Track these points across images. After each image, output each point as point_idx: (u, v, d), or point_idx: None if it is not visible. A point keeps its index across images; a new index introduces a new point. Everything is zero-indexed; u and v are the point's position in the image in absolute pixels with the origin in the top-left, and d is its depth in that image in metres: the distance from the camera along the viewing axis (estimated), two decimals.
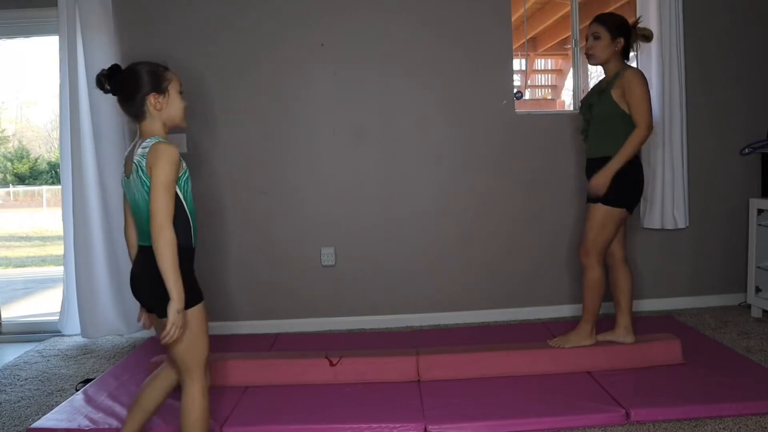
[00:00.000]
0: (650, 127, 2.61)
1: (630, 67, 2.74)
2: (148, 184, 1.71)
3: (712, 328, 3.29)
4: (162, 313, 1.71)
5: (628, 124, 2.64)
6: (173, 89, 1.85)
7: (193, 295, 1.79)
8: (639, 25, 2.78)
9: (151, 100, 1.80)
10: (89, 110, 3.31)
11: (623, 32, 2.70)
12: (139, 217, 1.80)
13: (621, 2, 4.86)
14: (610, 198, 2.66)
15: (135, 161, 1.75)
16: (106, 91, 1.85)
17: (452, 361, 2.71)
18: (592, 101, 2.78)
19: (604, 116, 2.70)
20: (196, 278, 1.87)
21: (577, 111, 3.49)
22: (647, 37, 2.79)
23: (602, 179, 2.64)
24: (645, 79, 2.65)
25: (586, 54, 2.78)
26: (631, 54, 2.83)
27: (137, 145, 1.79)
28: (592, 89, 2.89)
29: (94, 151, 3.33)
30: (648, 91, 2.64)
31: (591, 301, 2.76)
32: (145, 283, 1.79)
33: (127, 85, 1.82)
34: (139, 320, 1.98)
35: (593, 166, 2.76)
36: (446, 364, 2.70)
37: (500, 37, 3.52)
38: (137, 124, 1.85)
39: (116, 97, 1.85)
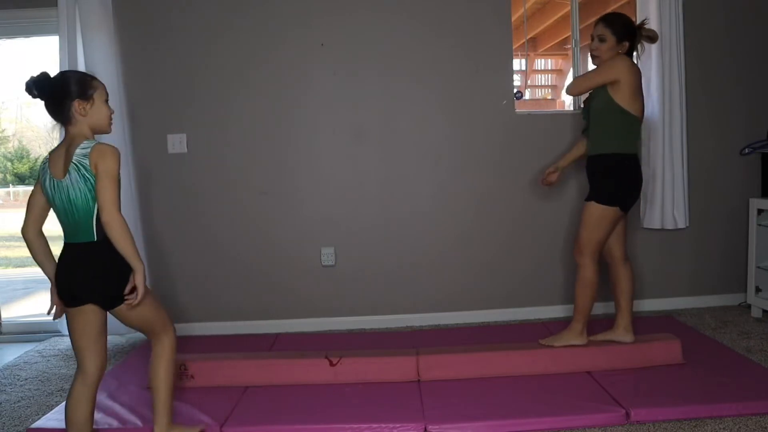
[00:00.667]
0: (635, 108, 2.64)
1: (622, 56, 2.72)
2: (92, 180, 1.86)
3: (712, 328, 3.29)
4: (109, 303, 1.94)
5: (625, 119, 2.63)
6: (99, 97, 1.97)
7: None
8: (644, 26, 2.77)
9: (76, 105, 1.92)
10: None
11: (629, 35, 2.69)
12: (71, 216, 1.92)
13: (621, 2, 4.86)
14: (603, 196, 2.66)
15: (74, 161, 1.87)
16: (33, 96, 1.93)
17: (452, 361, 2.71)
18: (590, 98, 2.80)
19: (599, 111, 2.71)
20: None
21: (578, 111, 3.50)
22: (652, 38, 2.78)
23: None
24: (627, 64, 2.63)
25: (590, 54, 2.77)
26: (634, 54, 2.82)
27: (71, 147, 1.90)
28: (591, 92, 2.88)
29: None
30: (613, 71, 2.62)
31: (583, 300, 2.76)
32: (86, 277, 1.92)
33: (54, 91, 1.92)
34: (50, 313, 2.04)
35: (591, 163, 2.77)
36: (446, 364, 2.70)
37: (500, 37, 3.51)
38: (65, 128, 1.96)
39: (43, 103, 1.94)
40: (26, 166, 20.78)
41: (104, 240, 1.89)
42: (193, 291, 3.53)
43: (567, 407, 2.32)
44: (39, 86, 1.91)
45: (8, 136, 22.11)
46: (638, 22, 2.83)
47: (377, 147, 3.54)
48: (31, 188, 2.05)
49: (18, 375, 3.03)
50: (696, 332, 3.18)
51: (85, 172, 1.86)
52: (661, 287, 3.68)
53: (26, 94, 1.92)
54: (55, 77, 1.95)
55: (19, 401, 2.69)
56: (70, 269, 1.95)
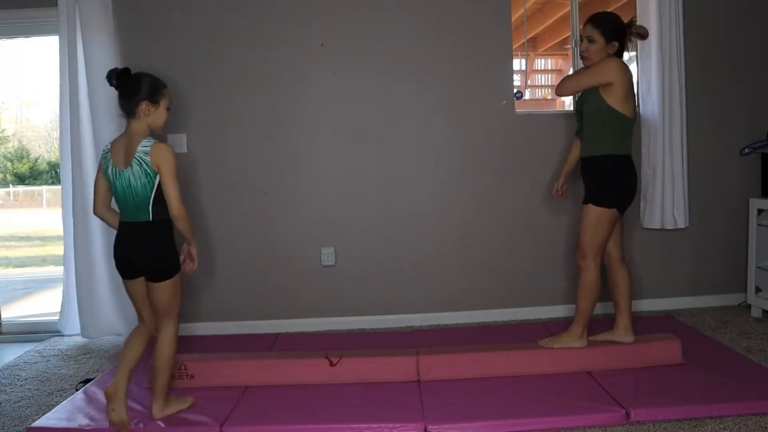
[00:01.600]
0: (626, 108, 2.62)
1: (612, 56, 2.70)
2: (152, 175, 2.21)
3: (712, 328, 3.29)
4: (153, 276, 2.25)
5: (618, 120, 2.63)
6: (163, 104, 2.30)
7: (178, 262, 2.32)
8: (633, 24, 2.75)
9: (143, 106, 2.24)
10: (89, 110, 3.31)
11: (618, 34, 2.67)
12: (131, 200, 2.24)
13: (621, 2, 4.86)
14: (600, 199, 2.66)
15: (137, 157, 2.20)
16: (111, 85, 2.25)
17: (452, 361, 2.71)
18: (582, 100, 2.79)
19: (592, 113, 2.70)
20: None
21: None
22: (642, 35, 2.76)
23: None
24: (618, 65, 2.62)
25: (580, 56, 2.77)
26: (632, 53, 2.82)
27: (132, 142, 2.23)
28: (583, 92, 2.85)
29: (93, 152, 3.33)
30: (609, 70, 2.60)
31: (584, 303, 2.75)
32: (143, 253, 2.25)
33: (129, 87, 2.25)
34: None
35: (586, 165, 2.77)
36: (446, 364, 2.70)
37: (500, 37, 3.52)
38: (127, 120, 2.27)
39: (118, 93, 2.26)
40: (26, 166, 20.77)
41: (158, 221, 2.24)
42: (193, 291, 3.53)
43: (567, 407, 2.32)
44: (118, 78, 2.24)
45: (8, 136, 22.10)
46: (628, 20, 2.80)
47: (377, 147, 3.54)
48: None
49: (18, 375, 3.03)
50: (696, 332, 3.18)
51: (146, 168, 2.20)
52: (661, 287, 3.68)
53: (106, 80, 2.24)
54: (133, 75, 2.26)
55: (19, 401, 2.69)
56: (129, 246, 2.27)
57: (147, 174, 2.20)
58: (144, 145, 2.21)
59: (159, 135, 2.40)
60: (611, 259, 2.84)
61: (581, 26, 3.58)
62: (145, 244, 2.25)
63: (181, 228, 2.26)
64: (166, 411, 2.39)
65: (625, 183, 2.70)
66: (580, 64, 3.66)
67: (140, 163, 2.20)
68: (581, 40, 2.72)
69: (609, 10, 3.99)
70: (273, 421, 2.32)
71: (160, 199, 2.22)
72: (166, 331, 2.34)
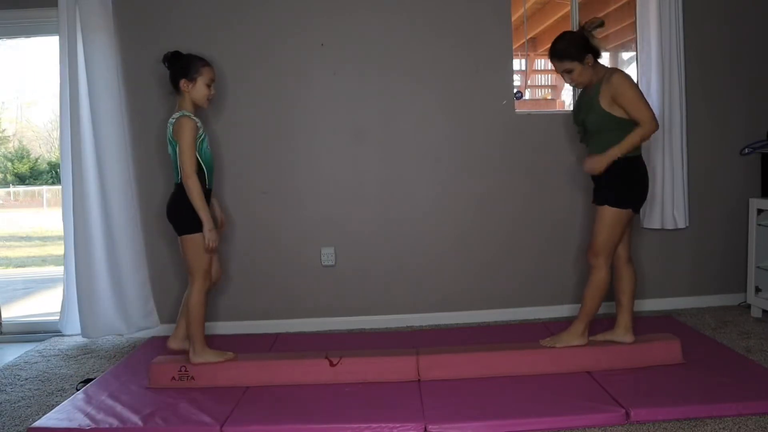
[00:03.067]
0: (654, 122, 2.58)
1: (612, 69, 2.66)
2: (174, 144, 2.60)
3: (712, 328, 3.29)
4: (174, 229, 2.68)
5: (626, 128, 2.60)
6: (201, 80, 2.65)
7: (197, 224, 2.60)
8: (585, 25, 2.66)
9: (182, 83, 2.64)
10: (89, 110, 3.30)
11: (583, 47, 2.60)
12: (173, 164, 2.67)
13: (621, 2, 4.86)
14: (616, 199, 2.65)
15: (167, 127, 2.62)
16: (165, 66, 2.68)
17: (452, 361, 2.71)
18: (582, 113, 2.73)
19: (598, 128, 2.67)
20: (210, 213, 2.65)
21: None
22: (599, 25, 2.65)
23: (599, 163, 2.63)
24: (630, 77, 2.62)
25: (573, 87, 2.78)
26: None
27: (174, 114, 2.63)
28: (579, 99, 2.84)
29: (94, 151, 3.33)
30: (638, 88, 2.61)
31: (591, 302, 2.76)
32: (168, 207, 2.68)
33: (172, 67, 2.66)
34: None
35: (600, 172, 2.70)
36: (446, 364, 2.70)
37: (500, 37, 3.52)
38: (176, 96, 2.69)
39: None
40: (26, 166, 20.77)
41: (181, 183, 2.60)
42: None
43: (567, 407, 2.32)
44: (167, 60, 2.66)
45: (8, 136, 22.10)
46: (580, 25, 2.72)
47: (377, 147, 3.54)
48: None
49: (18, 375, 3.03)
50: (696, 332, 3.18)
51: (170, 137, 2.61)
52: (661, 287, 3.68)
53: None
54: (175, 56, 2.66)
55: (19, 401, 2.69)
56: (167, 203, 2.70)
57: (171, 142, 2.62)
58: (172, 117, 2.60)
59: (203, 109, 2.75)
60: (619, 259, 2.84)
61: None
62: (171, 199, 2.67)
63: (189, 196, 2.56)
64: (199, 359, 2.68)
65: (640, 182, 2.70)
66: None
67: (168, 131, 2.61)
68: (562, 77, 2.70)
69: (608, 10, 3.98)
70: (273, 421, 2.32)
71: None
72: (191, 286, 2.70)
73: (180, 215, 2.63)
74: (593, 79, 2.67)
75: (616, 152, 2.60)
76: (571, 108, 3.80)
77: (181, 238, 2.66)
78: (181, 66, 2.63)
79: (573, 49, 2.61)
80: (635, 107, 2.57)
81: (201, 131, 2.64)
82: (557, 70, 2.69)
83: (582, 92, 2.82)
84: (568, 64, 2.63)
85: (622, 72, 2.64)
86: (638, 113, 2.57)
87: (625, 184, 2.66)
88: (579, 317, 2.78)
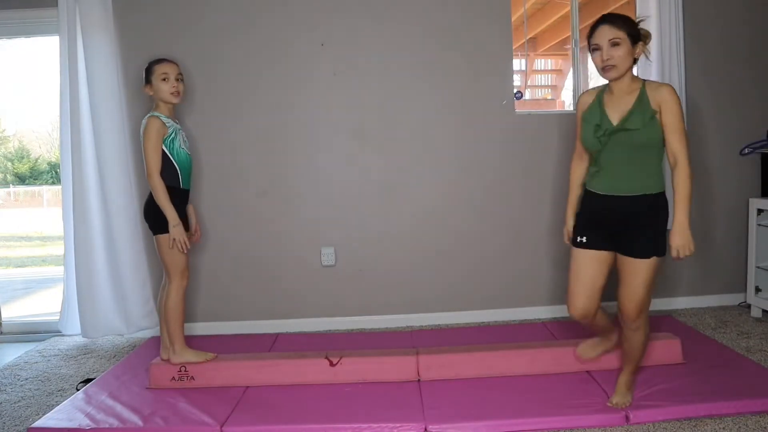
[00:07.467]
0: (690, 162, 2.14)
1: (657, 82, 2.22)
2: (143, 145, 2.60)
3: (712, 328, 3.29)
4: (152, 231, 2.67)
5: (660, 153, 2.20)
6: (156, 79, 2.63)
7: (159, 225, 2.61)
8: (641, 26, 2.22)
9: (146, 89, 2.67)
10: (89, 110, 3.31)
11: (638, 37, 2.17)
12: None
13: (621, 2, 4.86)
14: (660, 247, 2.21)
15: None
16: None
17: (452, 361, 2.71)
18: (623, 123, 2.16)
19: (644, 144, 2.16)
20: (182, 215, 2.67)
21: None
22: (648, 37, 2.31)
23: (687, 239, 2.14)
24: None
25: (602, 67, 2.14)
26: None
27: None
28: (599, 106, 2.24)
29: (94, 151, 3.33)
30: None
31: (640, 361, 2.39)
32: (146, 210, 2.69)
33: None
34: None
35: (632, 205, 2.21)
36: (446, 364, 2.70)
37: (500, 37, 3.52)
38: None
39: None
40: (26, 166, 20.78)
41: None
42: (193, 291, 3.53)
43: (567, 407, 2.32)
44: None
45: (8, 136, 22.11)
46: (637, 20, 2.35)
47: (377, 147, 3.54)
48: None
49: (18, 375, 3.03)
50: (696, 332, 3.18)
51: (142, 137, 2.61)
52: (661, 287, 3.68)
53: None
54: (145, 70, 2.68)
55: (19, 401, 2.69)
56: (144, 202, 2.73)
57: (141, 143, 2.64)
58: (143, 119, 2.63)
59: (172, 104, 2.69)
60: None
61: (581, 26, 3.61)
62: (146, 200, 2.69)
63: (154, 195, 2.58)
64: (179, 359, 2.68)
65: (668, 218, 2.26)
66: (580, 65, 3.59)
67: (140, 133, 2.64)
68: (595, 49, 2.15)
69: (609, 10, 3.97)
70: (273, 421, 2.32)
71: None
72: (168, 286, 2.70)
73: (153, 215, 2.63)
74: (625, 81, 2.19)
75: (686, 217, 2.15)
76: (572, 108, 3.80)
77: (155, 238, 2.65)
78: (144, 76, 2.67)
79: (635, 29, 2.16)
80: (680, 132, 2.11)
81: (171, 131, 2.62)
82: (599, 40, 2.14)
83: (603, 100, 2.25)
84: (623, 38, 2.12)
85: (673, 88, 2.18)
86: (680, 142, 2.11)
87: (663, 223, 2.23)
88: (630, 374, 2.39)
